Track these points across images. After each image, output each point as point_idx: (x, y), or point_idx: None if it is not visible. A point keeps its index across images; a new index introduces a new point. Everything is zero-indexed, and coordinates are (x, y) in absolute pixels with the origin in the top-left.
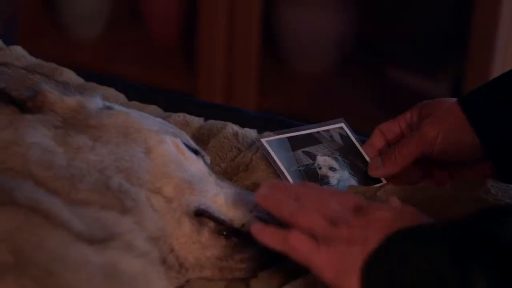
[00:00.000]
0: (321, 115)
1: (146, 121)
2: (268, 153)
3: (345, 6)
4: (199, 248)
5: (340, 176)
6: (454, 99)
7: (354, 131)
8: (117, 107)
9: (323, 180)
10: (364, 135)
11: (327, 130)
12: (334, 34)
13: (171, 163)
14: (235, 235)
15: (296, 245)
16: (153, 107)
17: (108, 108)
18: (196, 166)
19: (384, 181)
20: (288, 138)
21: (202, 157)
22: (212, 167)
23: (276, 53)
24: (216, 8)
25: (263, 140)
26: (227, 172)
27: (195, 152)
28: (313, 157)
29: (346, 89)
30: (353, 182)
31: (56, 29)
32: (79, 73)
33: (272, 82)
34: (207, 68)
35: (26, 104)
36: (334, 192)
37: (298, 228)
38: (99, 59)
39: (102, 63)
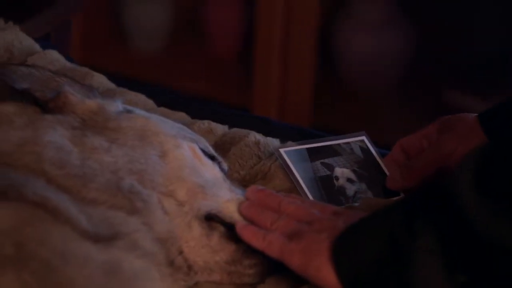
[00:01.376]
0: (375, 133)
1: (165, 125)
2: (286, 163)
3: (403, 26)
4: (208, 252)
5: (358, 188)
6: (475, 115)
7: None
8: (137, 111)
9: (339, 191)
10: None
11: (348, 143)
12: (391, 53)
13: (186, 168)
14: None
15: (272, 241)
16: (181, 114)
17: (129, 111)
18: (212, 171)
19: (402, 195)
20: (307, 149)
21: (219, 163)
22: (231, 173)
23: (332, 70)
24: (273, 24)
25: (282, 150)
26: (245, 179)
27: (212, 158)
28: (331, 168)
29: (401, 108)
30: (370, 194)
31: (117, 41)
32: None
33: (327, 98)
34: (263, 84)
35: (48, 105)
36: (316, 202)
37: (277, 231)
38: (159, 72)
39: (162, 76)
